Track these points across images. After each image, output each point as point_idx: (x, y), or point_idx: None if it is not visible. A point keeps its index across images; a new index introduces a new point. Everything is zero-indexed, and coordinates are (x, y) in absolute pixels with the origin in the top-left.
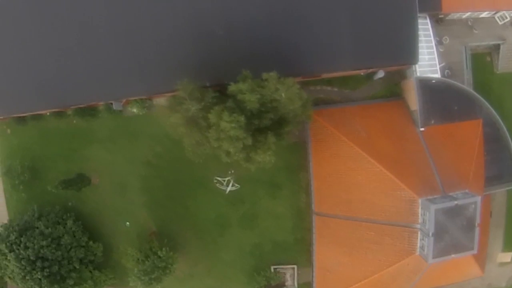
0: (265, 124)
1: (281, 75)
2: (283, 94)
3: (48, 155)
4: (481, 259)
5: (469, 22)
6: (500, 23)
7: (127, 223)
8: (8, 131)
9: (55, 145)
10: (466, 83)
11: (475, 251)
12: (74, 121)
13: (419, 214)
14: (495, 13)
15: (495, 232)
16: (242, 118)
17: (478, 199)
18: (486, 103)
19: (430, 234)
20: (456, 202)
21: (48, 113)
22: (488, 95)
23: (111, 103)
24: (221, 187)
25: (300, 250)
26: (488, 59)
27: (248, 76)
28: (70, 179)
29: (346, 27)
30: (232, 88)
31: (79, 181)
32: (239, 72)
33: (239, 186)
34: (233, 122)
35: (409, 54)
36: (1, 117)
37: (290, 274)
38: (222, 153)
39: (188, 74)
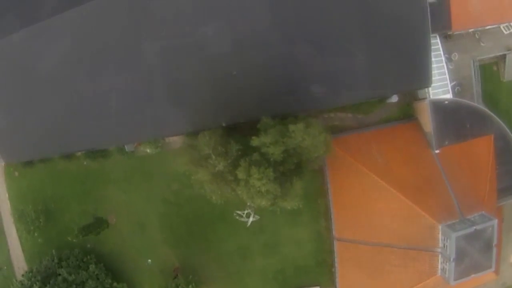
0: (289, 167)
1: (298, 110)
2: (308, 143)
3: (61, 197)
4: (496, 264)
5: (476, 35)
6: (505, 32)
7: (149, 260)
8: (16, 173)
9: (67, 187)
10: (475, 96)
11: (493, 269)
12: (85, 163)
13: (439, 239)
14: (500, 23)
15: (507, 235)
16: (271, 172)
17: (495, 222)
18: (497, 118)
19: (452, 260)
20: (475, 227)
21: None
22: (496, 104)
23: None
24: (241, 220)
25: (322, 271)
26: (495, 68)
27: (269, 124)
28: (88, 224)
29: (362, 58)
30: (255, 142)
31: (98, 225)
32: (255, 111)
33: (259, 217)
34: (263, 178)
35: (423, 78)
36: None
37: None
38: (248, 200)
39: (203, 115)
